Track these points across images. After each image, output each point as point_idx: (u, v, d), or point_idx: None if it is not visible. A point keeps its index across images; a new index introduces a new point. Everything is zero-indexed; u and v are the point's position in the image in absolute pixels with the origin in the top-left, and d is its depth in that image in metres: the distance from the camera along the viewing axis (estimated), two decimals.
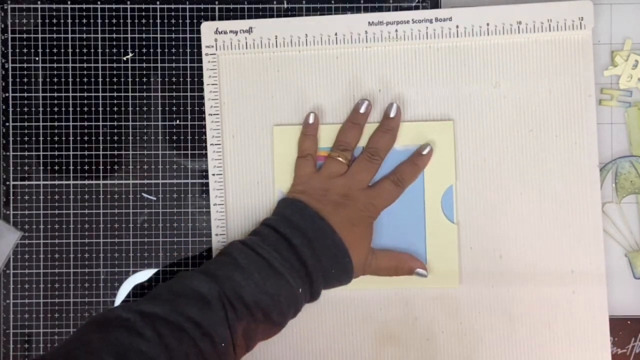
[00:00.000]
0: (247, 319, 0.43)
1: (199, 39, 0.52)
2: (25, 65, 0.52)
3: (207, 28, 0.51)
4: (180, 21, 0.52)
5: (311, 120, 0.50)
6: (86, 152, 0.52)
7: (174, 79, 0.52)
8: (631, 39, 0.52)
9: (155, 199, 0.52)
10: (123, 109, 0.52)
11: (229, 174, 0.51)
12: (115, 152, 0.52)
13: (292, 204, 0.47)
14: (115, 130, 0.52)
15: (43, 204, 0.52)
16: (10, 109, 0.52)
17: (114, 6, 0.52)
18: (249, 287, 0.43)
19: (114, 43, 0.52)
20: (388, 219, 0.50)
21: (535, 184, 0.50)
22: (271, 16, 0.52)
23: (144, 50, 0.52)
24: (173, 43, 0.52)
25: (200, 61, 0.52)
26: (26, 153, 0.52)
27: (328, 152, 0.50)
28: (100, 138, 0.52)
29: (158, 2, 0.52)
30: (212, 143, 0.51)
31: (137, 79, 0.52)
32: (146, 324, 0.40)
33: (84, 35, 0.52)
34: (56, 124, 0.52)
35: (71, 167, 0.52)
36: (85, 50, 0.52)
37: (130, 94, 0.52)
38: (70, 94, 0.52)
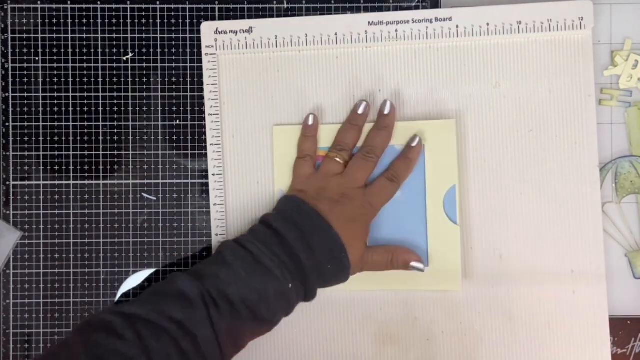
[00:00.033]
0: (231, 316, 0.43)
1: (199, 39, 0.52)
2: (25, 65, 0.52)
3: (207, 28, 0.51)
4: (180, 21, 0.52)
5: (310, 122, 0.50)
6: (86, 152, 0.52)
7: (174, 79, 0.52)
8: (631, 39, 0.52)
9: (155, 199, 0.52)
10: (123, 109, 0.52)
11: (229, 174, 0.51)
12: (115, 152, 0.52)
13: (290, 201, 0.47)
14: (115, 130, 0.52)
15: (43, 204, 0.52)
16: (10, 109, 0.52)
17: (114, 6, 0.52)
18: (234, 284, 0.43)
19: (114, 43, 0.52)
20: (389, 220, 0.50)
21: (535, 184, 0.50)
22: (271, 16, 0.52)
23: (144, 50, 0.52)
24: (173, 43, 0.52)
25: (200, 61, 0.52)
26: (26, 153, 0.52)
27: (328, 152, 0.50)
28: (100, 138, 0.52)
29: (158, 2, 0.52)
30: (212, 143, 0.51)
31: (137, 79, 0.52)
32: (127, 325, 0.40)
33: (84, 35, 0.52)
34: (56, 124, 0.52)
35: (71, 167, 0.52)
36: (85, 50, 0.52)
37: (130, 94, 0.52)
38: (70, 94, 0.52)
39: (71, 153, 0.52)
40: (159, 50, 0.52)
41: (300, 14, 0.52)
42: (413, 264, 0.48)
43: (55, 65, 0.52)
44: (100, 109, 0.52)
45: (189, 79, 0.52)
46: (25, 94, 0.52)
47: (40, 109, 0.52)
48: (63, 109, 0.52)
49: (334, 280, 0.47)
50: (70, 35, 0.52)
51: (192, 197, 0.52)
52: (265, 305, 0.44)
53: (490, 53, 0.51)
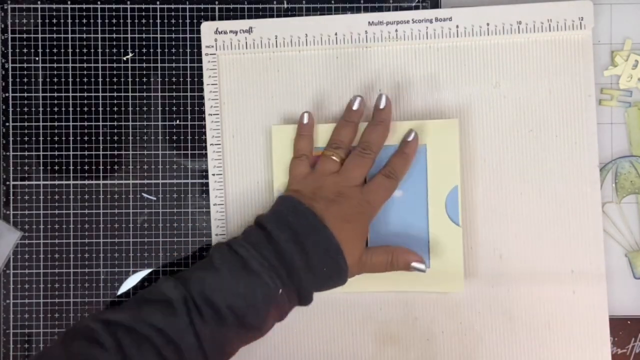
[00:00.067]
0: (216, 323, 0.42)
1: (199, 39, 0.52)
2: (25, 65, 0.52)
3: (207, 28, 0.51)
4: (180, 21, 0.52)
5: (305, 120, 0.49)
6: (86, 152, 0.52)
7: (174, 79, 0.52)
8: (631, 39, 0.52)
9: (155, 199, 0.52)
10: (123, 109, 0.52)
11: (229, 174, 0.51)
12: (115, 152, 0.52)
13: (286, 201, 0.46)
14: (115, 130, 0.52)
15: (43, 204, 0.52)
16: (10, 109, 0.52)
17: (114, 6, 0.52)
18: (220, 289, 0.42)
19: (114, 43, 0.52)
20: (391, 221, 0.50)
21: (535, 184, 0.50)
22: (271, 16, 0.52)
23: (144, 50, 0.52)
24: (173, 43, 0.52)
25: (200, 61, 0.52)
26: (26, 153, 0.52)
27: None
28: (100, 138, 0.52)
29: (158, 2, 0.52)
30: (212, 143, 0.51)
31: (137, 79, 0.52)
32: (108, 333, 0.40)
33: (84, 35, 0.52)
34: (56, 124, 0.52)
35: (71, 167, 0.52)
36: (85, 50, 0.52)
37: (130, 94, 0.52)
38: (70, 94, 0.52)
39: (71, 153, 0.52)
40: (159, 50, 0.52)
41: (300, 14, 0.52)
42: (414, 264, 0.47)
43: (55, 65, 0.52)
44: (100, 109, 0.52)
45: (189, 79, 0.52)
46: (25, 94, 0.52)
47: (40, 109, 0.52)
48: (63, 109, 0.52)
49: (330, 283, 0.46)
50: (70, 35, 0.52)
51: (192, 197, 0.52)
52: (253, 311, 0.43)
53: (490, 53, 0.51)
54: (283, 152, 0.50)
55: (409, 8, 0.52)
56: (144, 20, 0.52)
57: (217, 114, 0.51)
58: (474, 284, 0.50)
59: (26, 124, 0.52)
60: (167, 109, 0.52)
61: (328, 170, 0.48)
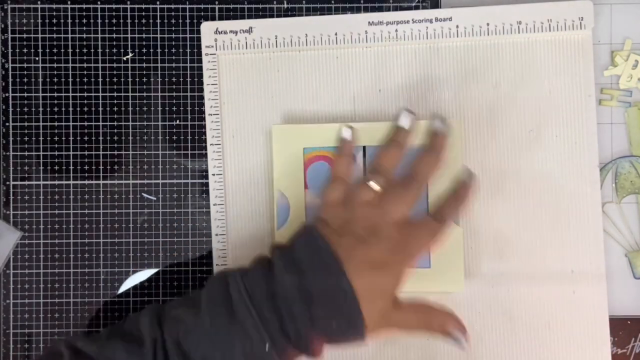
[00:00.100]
0: None
1: (199, 39, 0.52)
2: (25, 65, 0.52)
3: (207, 28, 0.51)
4: (180, 21, 0.52)
5: (346, 136, 0.43)
6: (86, 152, 0.52)
7: (174, 79, 0.52)
8: (631, 39, 0.52)
9: (155, 199, 0.52)
10: (123, 109, 0.52)
11: (229, 174, 0.51)
12: (115, 152, 0.52)
13: (306, 232, 0.40)
14: (115, 130, 0.52)
15: (43, 204, 0.52)
16: (10, 109, 0.52)
17: (114, 6, 0.52)
18: (196, 336, 0.37)
19: (114, 43, 0.52)
20: None
21: (536, 184, 0.50)
22: (271, 16, 0.52)
23: (144, 50, 0.52)
24: (173, 43, 0.52)
25: (200, 61, 0.52)
26: (26, 153, 0.52)
27: (329, 152, 0.50)
28: (100, 138, 0.52)
29: (158, 2, 0.52)
30: (212, 143, 0.51)
31: (137, 79, 0.52)
32: None
33: (84, 35, 0.52)
34: (56, 124, 0.52)
35: (71, 167, 0.52)
36: (85, 50, 0.52)
37: (130, 94, 0.52)
38: (70, 94, 0.52)
39: (71, 153, 0.52)
40: (159, 50, 0.52)
41: (300, 14, 0.52)
42: (452, 331, 0.39)
43: (55, 65, 0.52)
44: (100, 109, 0.52)
45: (189, 79, 0.52)
46: (25, 94, 0.52)
47: (40, 109, 0.52)
48: (63, 109, 0.52)
49: (343, 340, 0.38)
50: (70, 35, 0.52)
51: (192, 197, 0.52)
52: None
53: (490, 53, 0.51)
54: (283, 152, 0.50)
55: (409, 8, 0.52)
56: (144, 20, 0.52)
57: (217, 114, 0.51)
58: (474, 284, 0.50)
59: (26, 124, 0.52)
60: (167, 109, 0.52)
61: (364, 200, 0.41)
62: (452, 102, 0.51)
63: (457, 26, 0.50)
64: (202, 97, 0.52)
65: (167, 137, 0.52)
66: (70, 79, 0.52)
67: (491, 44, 0.51)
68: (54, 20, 0.52)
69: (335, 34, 0.51)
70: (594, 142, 0.50)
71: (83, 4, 0.52)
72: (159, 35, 0.52)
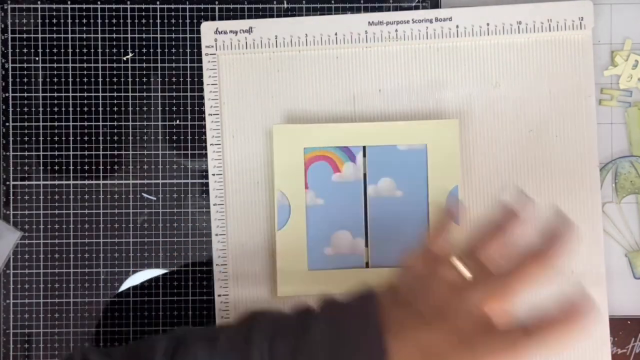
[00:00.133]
0: None
1: (199, 39, 0.52)
2: (25, 65, 0.52)
3: (207, 28, 0.51)
4: (180, 21, 0.52)
5: (454, 208, 0.38)
6: (86, 152, 0.52)
7: (174, 79, 0.52)
8: (631, 39, 0.52)
9: (155, 199, 0.52)
10: (123, 109, 0.52)
11: (229, 174, 0.51)
12: (115, 152, 0.52)
13: (361, 298, 0.36)
14: (115, 130, 0.52)
15: (43, 204, 0.52)
16: (10, 109, 0.52)
17: (114, 6, 0.52)
18: None
19: (114, 43, 0.52)
20: (391, 221, 0.50)
21: (535, 184, 0.50)
22: (271, 16, 0.52)
23: (144, 50, 0.52)
24: (173, 43, 0.52)
25: (200, 61, 0.52)
26: (26, 153, 0.52)
27: (329, 152, 0.50)
28: (100, 138, 0.52)
29: (158, 2, 0.52)
30: (212, 143, 0.51)
31: (137, 79, 0.52)
32: None
33: (84, 35, 0.52)
34: (56, 124, 0.52)
35: (71, 167, 0.52)
36: (85, 50, 0.52)
37: (130, 94, 0.52)
38: (70, 94, 0.52)
39: (71, 153, 0.52)
40: (159, 50, 0.52)
41: (300, 14, 0.52)
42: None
43: (55, 65, 0.52)
44: (100, 109, 0.52)
45: (189, 79, 0.52)
46: (25, 94, 0.52)
47: (40, 109, 0.52)
48: (63, 109, 0.52)
49: None
50: (70, 35, 0.52)
51: (192, 197, 0.52)
52: None
53: (490, 53, 0.51)
54: (283, 152, 0.50)
55: (409, 8, 0.52)
56: (144, 20, 0.52)
57: (217, 114, 0.51)
58: None
59: (26, 124, 0.52)
60: (167, 109, 0.52)
61: (446, 278, 0.35)
62: (452, 102, 0.51)
63: (457, 26, 0.50)
64: (202, 97, 0.52)
65: (167, 137, 0.52)
66: (70, 79, 0.52)
67: (491, 44, 0.51)
68: (54, 20, 0.52)
69: (335, 34, 0.51)
70: (594, 142, 0.50)
71: (83, 4, 0.52)
72: (159, 35, 0.52)
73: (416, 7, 0.52)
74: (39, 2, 0.52)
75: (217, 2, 0.52)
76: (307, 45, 0.51)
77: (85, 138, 0.52)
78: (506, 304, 0.34)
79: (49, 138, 0.52)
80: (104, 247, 0.52)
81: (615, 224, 0.52)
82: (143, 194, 0.52)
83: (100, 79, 0.52)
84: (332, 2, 0.52)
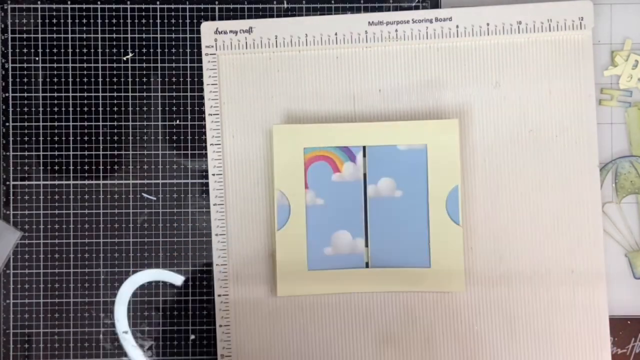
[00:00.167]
0: None
1: (199, 39, 0.52)
2: (25, 65, 0.52)
3: (207, 28, 0.51)
4: (180, 21, 0.52)
5: None
6: (86, 152, 0.52)
7: (174, 79, 0.52)
8: (631, 39, 0.52)
9: (155, 199, 0.52)
10: (123, 109, 0.52)
11: (229, 174, 0.51)
12: (115, 152, 0.52)
13: None
14: (115, 130, 0.52)
15: (43, 204, 0.52)
16: (10, 109, 0.52)
17: (114, 6, 0.52)
18: None
19: (114, 43, 0.52)
20: (391, 221, 0.50)
21: (535, 184, 0.51)
22: (271, 16, 0.52)
23: (144, 50, 0.52)
24: (173, 43, 0.52)
25: (200, 61, 0.52)
26: (26, 153, 0.52)
27: (330, 152, 0.50)
28: (100, 138, 0.52)
29: (158, 2, 0.52)
30: (212, 143, 0.51)
31: (137, 79, 0.52)
32: None
33: (84, 35, 0.52)
34: (56, 124, 0.52)
35: (71, 167, 0.52)
36: (85, 50, 0.52)
37: (130, 94, 0.52)
38: (70, 94, 0.52)
39: (71, 153, 0.52)
40: (159, 50, 0.52)
41: (300, 14, 0.52)
42: None
43: (55, 65, 0.52)
44: (100, 109, 0.52)
45: (189, 79, 0.52)
46: (25, 94, 0.52)
47: (40, 109, 0.52)
48: (63, 109, 0.52)
49: None
50: (70, 35, 0.52)
51: (192, 197, 0.52)
52: None
53: (490, 53, 0.51)
54: (283, 152, 0.50)
55: (409, 8, 0.52)
56: (144, 20, 0.52)
57: (217, 114, 0.51)
58: (474, 284, 0.50)
59: (26, 124, 0.52)
60: (167, 109, 0.52)
61: None
62: (452, 102, 0.51)
63: (457, 26, 0.50)
64: (202, 97, 0.52)
65: (167, 137, 0.52)
66: (70, 79, 0.52)
67: (491, 44, 0.51)
68: (54, 20, 0.52)
69: (335, 34, 0.51)
70: (594, 142, 0.50)
71: (83, 4, 0.52)
72: (159, 35, 0.52)
73: (416, 7, 0.52)
74: (39, 2, 0.52)
75: (217, 2, 0.52)
76: (307, 45, 0.51)
77: (85, 138, 0.52)
78: None
79: (49, 138, 0.52)
80: (104, 247, 0.52)
81: (615, 224, 0.52)
82: (143, 194, 0.52)
83: (100, 79, 0.52)
84: (332, 2, 0.52)
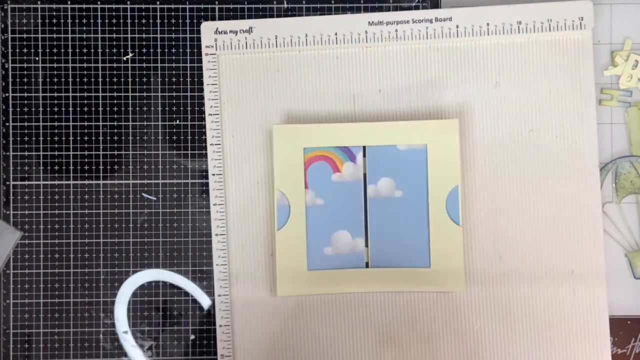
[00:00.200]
0: None
1: (199, 39, 0.52)
2: (25, 65, 0.52)
3: (207, 28, 0.51)
4: (180, 21, 0.52)
5: None
6: (86, 152, 0.52)
7: (174, 79, 0.52)
8: (631, 39, 0.52)
9: (155, 199, 0.52)
10: (123, 109, 0.52)
11: (229, 174, 0.51)
12: (115, 152, 0.52)
13: None
14: (115, 130, 0.52)
15: (43, 204, 0.52)
16: (10, 109, 0.52)
17: (114, 6, 0.52)
18: None
19: (114, 43, 0.52)
20: (391, 221, 0.50)
21: (535, 183, 0.51)
22: (271, 16, 0.52)
23: (144, 50, 0.52)
24: (173, 43, 0.52)
25: (200, 61, 0.52)
26: (26, 153, 0.52)
27: (329, 152, 0.50)
28: (100, 138, 0.52)
29: (158, 2, 0.52)
30: (212, 143, 0.51)
31: (137, 79, 0.52)
32: None
33: (84, 35, 0.52)
34: (56, 124, 0.52)
35: (71, 167, 0.52)
36: (85, 50, 0.52)
37: (130, 94, 0.52)
38: (70, 94, 0.52)
39: (71, 153, 0.52)
40: (159, 50, 0.52)
41: (300, 14, 0.52)
42: None
43: (55, 65, 0.52)
44: (100, 109, 0.52)
45: (189, 79, 0.52)
46: (25, 94, 0.52)
47: (40, 109, 0.52)
48: (63, 109, 0.52)
49: None
50: (70, 35, 0.52)
51: (192, 197, 0.52)
52: None
53: (490, 53, 0.51)
54: (283, 152, 0.50)
55: (409, 8, 0.52)
56: (144, 20, 0.52)
57: (217, 114, 0.51)
58: (474, 284, 0.50)
59: (26, 124, 0.52)
60: (167, 109, 0.52)
61: None
62: (452, 102, 0.51)
63: (457, 26, 0.50)
64: (202, 97, 0.52)
65: (167, 137, 0.52)
66: (70, 79, 0.52)
67: (491, 44, 0.51)
68: (54, 20, 0.52)
69: (335, 34, 0.51)
70: (594, 142, 0.50)
71: (83, 4, 0.52)
72: (159, 35, 0.52)
73: (416, 7, 0.52)
74: (39, 2, 0.52)
75: (217, 2, 0.52)
76: (307, 45, 0.51)
77: (85, 138, 0.52)
78: None
79: (49, 138, 0.52)
80: (104, 247, 0.52)
81: (615, 224, 0.52)
82: (143, 194, 0.52)
83: (100, 79, 0.52)
84: (332, 2, 0.52)
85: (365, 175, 0.50)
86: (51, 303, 0.51)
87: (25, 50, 0.52)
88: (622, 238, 0.52)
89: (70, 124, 0.52)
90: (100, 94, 0.52)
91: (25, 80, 0.52)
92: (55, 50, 0.52)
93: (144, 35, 0.52)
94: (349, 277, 0.50)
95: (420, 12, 0.51)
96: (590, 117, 0.50)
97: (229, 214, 0.51)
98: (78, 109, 0.52)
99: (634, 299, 0.51)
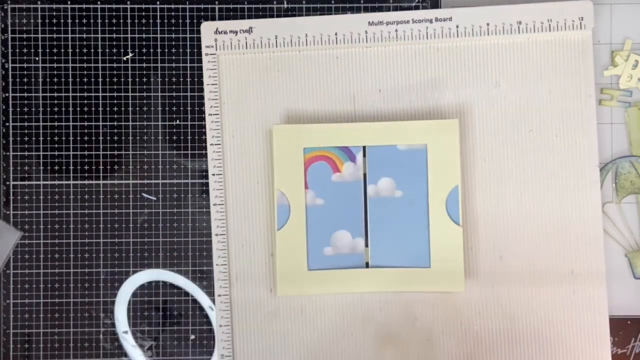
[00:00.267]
0: None
1: (199, 39, 0.52)
2: (25, 65, 0.52)
3: (207, 28, 0.51)
4: (180, 21, 0.52)
5: None
6: (86, 152, 0.52)
7: (174, 79, 0.52)
8: (631, 39, 0.52)
9: (155, 199, 0.52)
10: (123, 109, 0.52)
11: (229, 174, 0.51)
12: (115, 152, 0.52)
13: None
14: (115, 130, 0.52)
15: (43, 204, 0.52)
16: (10, 109, 0.52)
17: (114, 6, 0.52)
18: None
19: (114, 43, 0.52)
20: (391, 221, 0.50)
21: (535, 183, 0.51)
22: (271, 16, 0.52)
23: (144, 50, 0.52)
24: (173, 43, 0.52)
25: (200, 61, 0.52)
26: (26, 153, 0.52)
27: (329, 152, 0.50)
28: (100, 138, 0.52)
29: (158, 2, 0.52)
30: (212, 143, 0.51)
31: (137, 79, 0.52)
32: None
33: (84, 35, 0.52)
34: (56, 124, 0.52)
35: (71, 167, 0.52)
36: (85, 50, 0.52)
37: (130, 94, 0.52)
38: (70, 94, 0.52)
39: (71, 153, 0.52)
40: (159, 50, 0.52)
41: (300, 14, 0.52)
42: None
43: (55, 65, 0.52)
44: (100, 109, 0.52)
45: (189, 79, 0.52)
46: (25, 94, 0.52)
47: (40, 109, 0.52)
48: (63, 109, 0.52)
49: None
50: (70, 35, 0.52)
51: (192, 197, 0.52)
52: None
53: (490, 53, 0.51)
54: (283, 152, 0.50)
55: (409, 8, 0.52)
56: (144, 20, 0.52)
57: (217, 114, 0.51)
58: (474, 284, 0.50)
59: (26, 124, 0.52)
60: (167, 109, 0.52)
61: None
62: (452, 102, 0.51)
63: (457, 26, 0.50)
64: (202, 97, 0.52)
65: (167, 137, 0.52)
66: (70, 79, 0.52)
67: (491, 44, 0.51)
68: (54, 20, 0.52)
69: (335, 34, 0.51)
70: (594, 142, 0.50)
71: (83, 4, 0.52)
72: (159, 35, 0.52)
73: (416, 7, 0.52)
74: (39, 2, 0.52)
75: (217, 2, 0.52)
76: (307, 45, 0.51)
77: (85, 138, 0.52)
78: None
79: (49, 138, 0.52)
80: (104, 247, 0.52)
81: (615, 224, 0.52)
82: (143, 194, 0.52)
83: (100, 79, 0.52)
84: (332, 2, 0.52)
85: (365, 175, 0.50)
86: (51, 303, 0.51)
87: (25, 50, 0.52)
88: (622, 238, 0.52)
89: (70, 124, 0.52)
90: (100, 94, 0.52)
91: (25, 80, 0.52)
92: (55, 50, 0.52)
93: (144, 35, 0.52)
94: (349, 277, 0.50)
95: (420, 12, 0.51)
96: (590, 117, 0.50)
97: (229, 214, 0.51)
98: (78, 109, 0.52)
99: (634, 299, 0.51)
